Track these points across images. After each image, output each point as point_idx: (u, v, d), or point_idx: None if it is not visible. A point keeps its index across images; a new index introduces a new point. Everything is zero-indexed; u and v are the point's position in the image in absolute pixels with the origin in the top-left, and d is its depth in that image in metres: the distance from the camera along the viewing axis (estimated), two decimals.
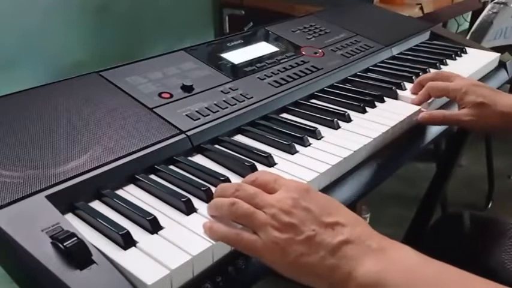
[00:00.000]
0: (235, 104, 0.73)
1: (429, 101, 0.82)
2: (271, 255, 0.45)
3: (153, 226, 0.49)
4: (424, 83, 0.82)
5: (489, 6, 1.69)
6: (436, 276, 0.42)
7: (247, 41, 0.93)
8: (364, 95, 0.83)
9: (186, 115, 0.68)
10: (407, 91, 0.87)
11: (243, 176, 0.58)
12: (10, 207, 0.48)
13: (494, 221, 0.85)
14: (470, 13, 2.31)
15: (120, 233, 0.47)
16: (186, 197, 0.53)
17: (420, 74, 0.94)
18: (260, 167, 0.62)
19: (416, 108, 0.80)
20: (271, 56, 0.90)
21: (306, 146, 0.67)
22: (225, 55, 0.86)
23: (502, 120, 0.73)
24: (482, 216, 0.89)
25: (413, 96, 0.83)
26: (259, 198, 0.48)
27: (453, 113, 0.77)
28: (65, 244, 0.44)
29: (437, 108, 0.86)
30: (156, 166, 0.60)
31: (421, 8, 1.58)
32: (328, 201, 0.49)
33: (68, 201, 0.52)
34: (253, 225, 0.47)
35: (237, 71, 0.82)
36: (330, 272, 0.43)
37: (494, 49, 1.14)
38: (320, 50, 0.96)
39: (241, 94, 0.75)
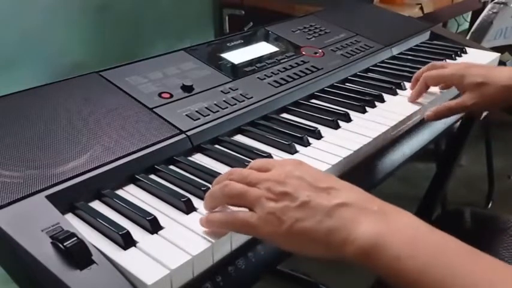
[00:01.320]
0: (235, 104, 0.73)
1: (429, 100, 0.82)
2: (267, 226, 0.44)
3: (153, 226, 0.49)
4: (420, 77, 0.82)
5: (489, 6, 1.69)
6: (439, 245, 0.41)
7: (247, 41, 0.93)
8: (364, 95, 0.83)
9: (186, 115, 0.68)
10: (407, 91, 0.87)
11: None
12: (10, 207, 0.48)
13: (494, 217, 0.85)
14: (470, 13, 2.31)
15: (120, 233, 0.47)
16: (186, 196, 0.53)
17: None
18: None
19: (416, 108, 0.80)
20: (271, 56, 0.90)
21: (306, 146, 0.67)
22: (225, 55, 0.86)
23: (505, 93, 0.74)
24: (483, 212, 0.89)
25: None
26: (252, 176, 0.48)
27: (456, 101, 0.77)
28: (65, 244, 0.44)
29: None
30: (156, 166, 0.60)
31: (421, 8, 1.58)
32: (321, 172, 0.49)
33: (68, 201, 0.52)
34: (248, 201, 0.46)
35: (237, 71, 0.82)
36: (328, 235, 0.42)
37: (494, 49, 1.14)
38: (320, 50, 0.96)
39: (241, 94, 0.75)
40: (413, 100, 0.82)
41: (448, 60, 1.03)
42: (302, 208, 0.44)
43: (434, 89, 0.84)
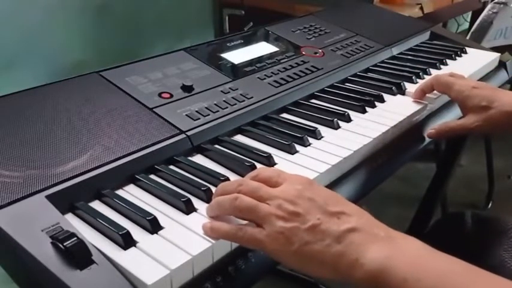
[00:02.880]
0: (235, 104, 0.73)
1: (431, 103, 0.82)
2: (276, 245, 0.45)
3: (153, 226, 0.49)
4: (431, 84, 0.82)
5: (489, 6, 1.69)
6: (444, 267, 0.41)
7: (247, 41, 0.93)
8: (364, 95, 0.83)
9: (186, 115, 0.68)
10: (407, 91, 0.87)
11: (243, 176, 0.58)
12: (10, 207, 0.48)
13: (495, 219, 0.85)
14: (470, 13, 2.31)
15: (120, 233, 0.47)
16: (186, 196, 0.53)
17: (420, 74, 0.94)
18: (260, 167, 0.61)
19: (416, 108, 0.80)
20: (271, 56, 0.90)
21: (306, 146, 0.67)
22: (225, 55, 0.86)
23: (508, 119, 0.73)
24: (484, 215, 0.89)
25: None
26: (263, 191, 0.48)
27: (459, 122, 0.77)
28: (65, 244, 0.44)
29: (440, 106, 0.86)
30: (156, 166, 0.60)
31: (421, 8, 1.58)
32: (331, 194, 0.49)
33: (68, 201, 0.52)
34: (257, 216, 0.46)
35: (237, 71, 0.82)
36: (336, 259, 0.43)
37: (494, 49, 1.14)
38: (320, 50, 0.96)
39: (241, 94, 0.75)
40: (416, 97, 0.83)
41: (448, 61, 1.03)
42: (312, 231, 0.44)
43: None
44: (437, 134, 0.78)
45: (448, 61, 1.03)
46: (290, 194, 0.47)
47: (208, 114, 0.69)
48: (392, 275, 0.41)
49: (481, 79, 1.01)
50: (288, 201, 0.46)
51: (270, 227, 0.45)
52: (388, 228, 0.46)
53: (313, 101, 0.83)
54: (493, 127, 0.75)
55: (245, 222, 0.49)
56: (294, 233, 0.44)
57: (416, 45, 1.11)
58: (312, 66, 0.89)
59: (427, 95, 0.83)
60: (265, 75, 0.82)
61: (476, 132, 0.78)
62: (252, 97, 0.75)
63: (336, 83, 0.88)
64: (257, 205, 0.46)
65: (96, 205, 0.54)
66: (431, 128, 0.79)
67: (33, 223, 0.46)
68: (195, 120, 0.67)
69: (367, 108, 0.79)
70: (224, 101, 0.73)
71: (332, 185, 0.64)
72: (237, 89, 0.77)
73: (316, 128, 0.70)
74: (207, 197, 0.54)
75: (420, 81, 0.88)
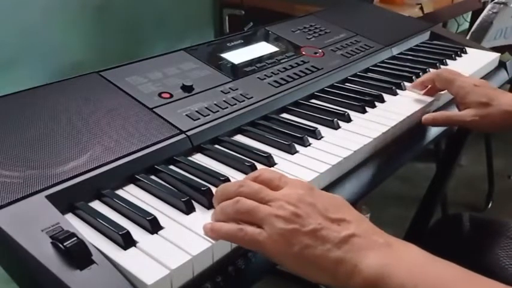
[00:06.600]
0: (235, 104, 0.73)
1: (431, 99, 0.82)
2: (276, 247, 0.44)
3: (153, 226, 0.49)
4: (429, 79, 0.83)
5: (489, 6, 1.69)
6: (441, 274, 0.42)
7: (247, 41, 0.93)
8: (364, 95, 0.83)
9: (186, 115, 0.68)
10: (407, 91, 0.87)
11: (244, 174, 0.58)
12: (10, 207, 0.48)
13: (493, 222, 0.85)
14: (470, 13, 2.31)
15: (120, 233, 0.47)
16: (186, 196, 0.53)
17: (420, 74, 0.94)
18: (260, 167, 0.61)
19: (416, 108, 0.80)
20: (271, 56, 0.90)
21: (306, 146, 0.67)
22: (225, 55, 0.86)
23: (505, 118, 0.74)
24: (482, 217, 0.89)
25: (414, 96, 0.83)
26: (264, 193, 0.48)
27: (457, 113, 0.77)
28: (65, 244, 0.44)
29: (440, 107, 0.86)
30: (156, 166, 0.60)
31: (421, 8, 1.58)
32: (333, 199, 0.49)
33: (68, 201, 0.52)
34: (258, 218, 0.46)
35: (237, 71, 0.82)
36: (335, 265, 0.43)
37: (494, 49, 1.14)
38: (320, 50, 0.96)
39: (241, 94, 0.75)
40: (413, 86, 0.83)
41: (448, 61, 1.03)
42: (313, 235, 0.44)
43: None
44: (433, 121, 0.78)
45: (448, 61, 1.03)
46: (291, 197, 0.47)
47: (208, 114, 0.69)
48: (390, 281, 0.41)
49: (481, 79, 1.00)
50: (289, 203, 0.46)
51: (270, 228, 0.45)
52: (387, 235, 0.46)
53: (313, 101, 0.83)
54: (488, 124, 0.75)
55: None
56: (294, 235, 0.44)
57: (416, 45, 1.11)
58: (312, 66, 0.89)
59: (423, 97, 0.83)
60: (265, 75, 0.82)
61: (470, 127, 0.78)
62: (252, 97, 0.75)
63: (336, 83, 0.88)
64: (258, 206, 0.46)
65: (96, 205, 0.54)
66: (428, 114, 0.79)
67: (33, 223, 0.46)
68: (195, 120, 0.67)
69: (367, 108, 0.79)
70: (224, 101, 0.73)
71: (332, 185, 0.64)
72: (237, 89, 0.77)
73: (316, 128, 0.70)
74: (207, 197, 0.54)
75: None
